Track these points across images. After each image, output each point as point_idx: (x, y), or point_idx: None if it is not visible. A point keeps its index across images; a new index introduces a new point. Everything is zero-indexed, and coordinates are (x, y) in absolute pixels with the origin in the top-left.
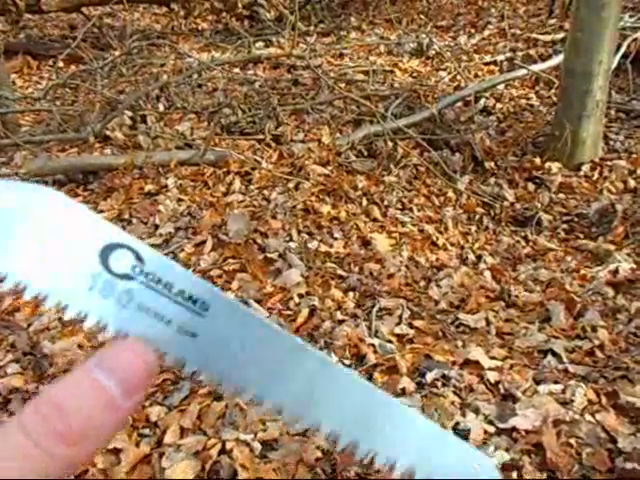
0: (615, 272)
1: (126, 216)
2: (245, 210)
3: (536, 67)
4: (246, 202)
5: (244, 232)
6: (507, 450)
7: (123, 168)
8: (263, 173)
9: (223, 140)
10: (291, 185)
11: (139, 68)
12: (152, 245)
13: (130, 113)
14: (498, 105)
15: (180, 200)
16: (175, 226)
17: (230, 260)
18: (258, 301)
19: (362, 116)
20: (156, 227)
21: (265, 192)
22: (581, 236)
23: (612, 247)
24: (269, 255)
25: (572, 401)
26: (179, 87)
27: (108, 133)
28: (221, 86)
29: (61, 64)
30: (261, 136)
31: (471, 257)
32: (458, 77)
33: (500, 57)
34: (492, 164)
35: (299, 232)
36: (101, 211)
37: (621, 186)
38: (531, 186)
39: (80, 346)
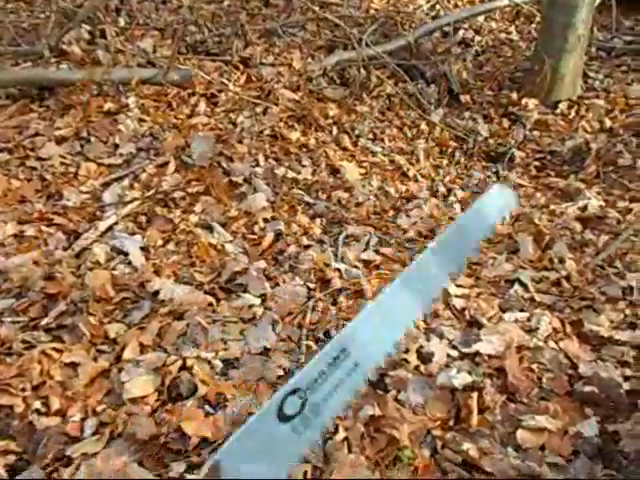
0: (584, 208)
1: (84, 134)
2: (210, 133)
3: None
4: (211, 125)
5: (209, 155)
6: (469, 373)
7: (81, 84)
8: (230, 96)
9: (188, 60)
10: (259, 109)
11: None
12: (111, 165)
13: (88, 27)
14: (477, 38)
15: (142, 120)
16: (136, 146)
17: (194, 182)
18: (222, 224)
19: (336, 40)
20: (116, 147)
21: (231, 115)
22: (552, 174)
23: (583, 185)
24: (234, 179)
25: (537, 329)
26: (142, 3)
27: (65, 47)
28: (187, 3)
29: None
30: (228, 57)
31: (442, 190)
32: (437, 7)
33: None
34: (468, 98)
35: (266, 157)
36: (58, 128)
37: (597, 125)
38: (506, 122)
39: (36, 262)
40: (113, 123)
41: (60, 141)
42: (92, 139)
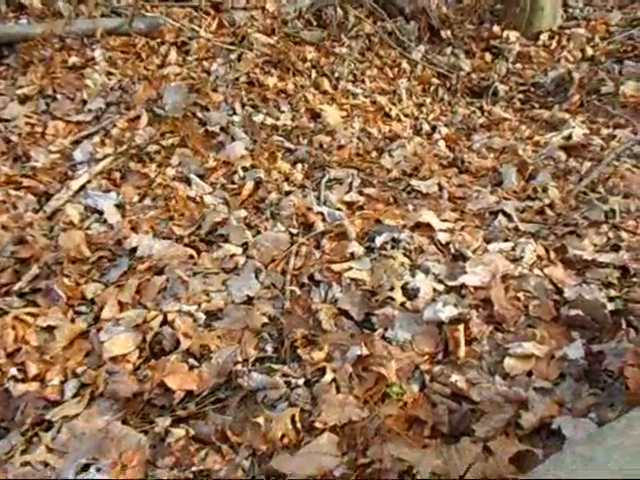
0: (568, 137)
1: (49, 92)
2: (183, 83)
3: None
4: (184, 74)
5: (182, 105)
6: (455, 306)
7: (42, 39)
8: (202, 43)
9: (155, 7)
10: (233, 56)
11: None
12: (80, 122)
13: None
14: None
15: (110, 73)
16: (105, 101)
17: (168, 135)
18: (200, 176)
19: None
20: (84, 103)
21: (205, 63)
22: (536, 106)
23: (567, 115)
24: (211, 129)
25: (521, 257)
26: None
27: (22, 0)
28: None
29: None
30: (197, 2)
31: (425, 128)
32: None
33: None
34: (449, 33)
35: (243, 105)
36: (20, 87)
37: (579, 55)
38: (488, 56)
39: (4, 227)
40: (79, 78)
41: (24, 100)
42: (58, 96)
